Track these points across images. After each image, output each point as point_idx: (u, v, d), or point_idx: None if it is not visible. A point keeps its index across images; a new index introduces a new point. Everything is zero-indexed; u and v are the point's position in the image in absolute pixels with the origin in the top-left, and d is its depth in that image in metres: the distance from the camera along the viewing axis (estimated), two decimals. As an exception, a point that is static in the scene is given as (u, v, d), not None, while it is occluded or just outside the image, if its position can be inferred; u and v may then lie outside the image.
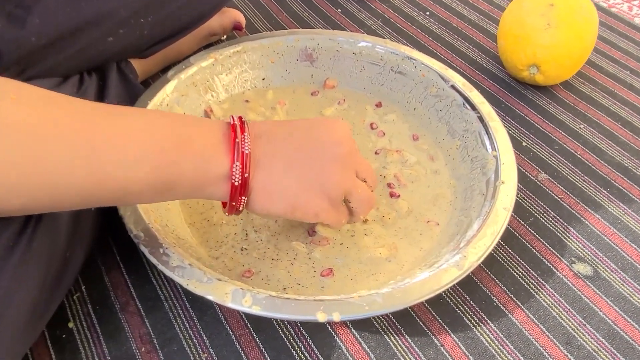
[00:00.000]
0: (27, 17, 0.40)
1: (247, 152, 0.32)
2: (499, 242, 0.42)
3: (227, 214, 0.35)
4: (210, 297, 0.33)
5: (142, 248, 0.35)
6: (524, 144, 0.53)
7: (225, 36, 0.64)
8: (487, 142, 0.46)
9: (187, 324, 0.37)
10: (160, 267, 0.34)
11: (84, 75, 0.47)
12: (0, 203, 0.26)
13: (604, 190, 0.49)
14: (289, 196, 0.34)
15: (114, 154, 0.28)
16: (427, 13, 0.71)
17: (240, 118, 0.34)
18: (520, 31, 0.55)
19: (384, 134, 0.52)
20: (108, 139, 0.28)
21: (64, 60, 0.44)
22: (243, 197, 0.33)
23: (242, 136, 0.32)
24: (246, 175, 0.32)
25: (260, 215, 0.37)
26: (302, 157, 0.34)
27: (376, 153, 0.50)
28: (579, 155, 0.52)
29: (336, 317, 0.32)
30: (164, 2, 0.48)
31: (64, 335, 0.36)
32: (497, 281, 0.41)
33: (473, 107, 0.48)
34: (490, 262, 0.42)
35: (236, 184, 0.32)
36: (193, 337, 0.37)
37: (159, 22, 0.49)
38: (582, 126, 0.55)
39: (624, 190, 0.49)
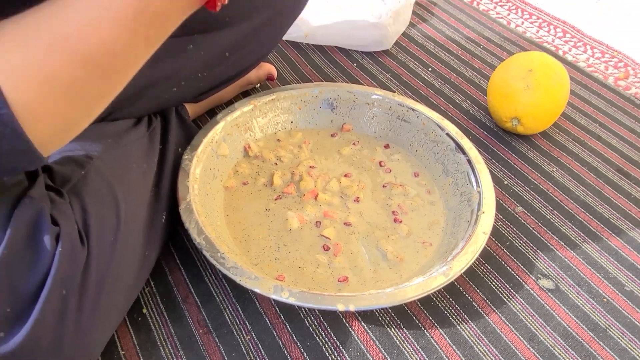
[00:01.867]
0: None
1: None
2: (480, 259, 0.53)
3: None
4: (257, 290, 0.44)
5: (205, 252, 0.47)
6: (505, 182, 0.64)
7: (259, 84, 0.76)
8: (473, 180, 0.57)
9: (234, 314, 0.48)
10: (219, 267, 0.45)
11: (151, 117, 0.59)
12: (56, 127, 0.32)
13: (568, 222, 0.59)
14: None
15: (102, 29, 0.30)
16: (429, 69, 0.83)
17: None
18: (505, 91, 0.67)
19: (391, 170, 0.63)
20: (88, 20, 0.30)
21: (140, 106, 0.56)
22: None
23: None
24: None
25: None
26: None
27: (383, 186, 0.61)
28: (550, 193, 0.63)
29: (352, 307, 0.43)
30: (217, 62, 0.60)
31: (139, 319, 0.47)
32: (477, 290, 0.52)
33: (463, 152, 0.60)
34: (473, 275, 0.53)
35: None
36: (239, 323, 0.47)
37: (212, 76, 0.61)
38: (554, 169, 0.67)
39: (585, 223, 0.60)
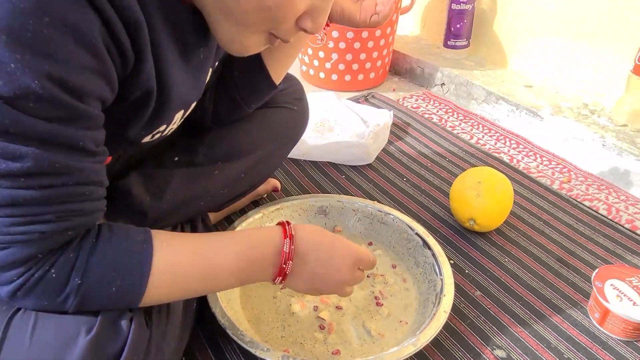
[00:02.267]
0: (163, 194, 0.69)
1: (287, 272, 0.56)
2: (445, 334, 0.67)
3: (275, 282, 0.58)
4: (269, 359, 0.57)
5: (228, 330, 0.60)
6: (466, 271, 0.79)
7: (266, 195, 0.94)
8: (437, 270, 0.72)
9: (249, 381, 0.61)
10: (239, 341, 0.59)
11: (183, 225, 0.76)
12: (155, 302, 0.51)
13: (518, 303, 0.74)
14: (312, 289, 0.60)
15: (220, 275, 0.53)
16: (404, 179, 1.02)
17: (290, 244, 0.56)
18: (461, 198, 0.84)
19: (373, 263, 0.79)
20: (215, 267, 0.53)
21: (176, 218, 0.73)
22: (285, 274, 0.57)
23: (288, 263, 0.56)
24: (283, 281, 0.57)
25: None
26: (320, 277, 0.59)
27: (367, 276, 0.76)
28: (503, 280, 0.78)
29: (342, 370, 0.56)
30: (235, 182, 0.77)
31: (175, 387, 0.60)
32: (443, 358, 0.64)
33: (429, 248, 0.76)
34: (440, 347, 0.66)
35: (278, 283, 0.57)
36: (254, 389, 0.60)
37: (231, 192, 0.78)
38: (507, 259, 0.82)
39: (531, 303, 0.74)
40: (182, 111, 0.57)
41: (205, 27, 0.51)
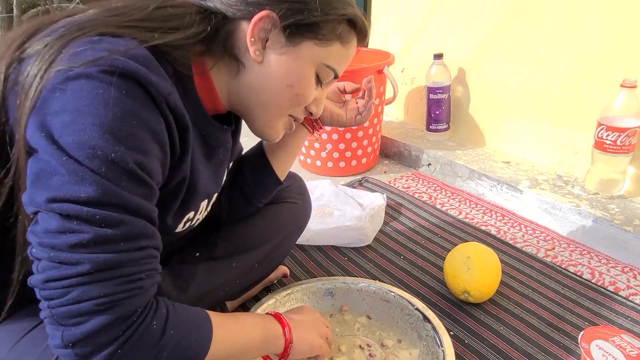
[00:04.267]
0: (188, 287, 0.78)
1: (289, 338, 0.67)
2: (449, 402, 0.73)
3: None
4: None
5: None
6: (466, 341, 0.86)
7: (276, 280, 1.02)
8: (438, 342, 0.79)
9: None
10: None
11: (205, 313, 0.83)
12: None
13: (515, 369, 0.80)
14: (309, 340, 0.70)
15: (241, 348, 0.62)
16: (401, 257, 1.11)
17: (281, 319, 0.69)
18: (453, 272, 0.93)
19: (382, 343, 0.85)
20: (236, 342, 0.62)
21: (198, 306, 0.81)
22: (290, 344, 0.68)
23: (283, 316, 0.69)
24: (291, 332, 0.68)
25: (297, 354, 0.70)
26: (309, 321, 0.72)
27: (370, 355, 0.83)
28: (500, 347, 0.85)
29: None
30: (250, 272, 0.86)
31: None
32: None
33: (429, 321, 0.83)
34: (447, 416, 0.71)
35: (287, 337, 0.67)
36: None
37: (246, 281, 0.87)
38: (502, 328, 0.89)
39: (527, 368, 0.80)
40: (206, 201, 0.69)
41: (225, 132, 0.68)
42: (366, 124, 1.51)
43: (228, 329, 0.60)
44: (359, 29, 0.64)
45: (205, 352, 0.55)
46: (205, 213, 0.72)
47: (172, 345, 0.51)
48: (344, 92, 0.86)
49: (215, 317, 0.59)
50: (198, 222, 0.71)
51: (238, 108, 0.66)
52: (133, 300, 0.48)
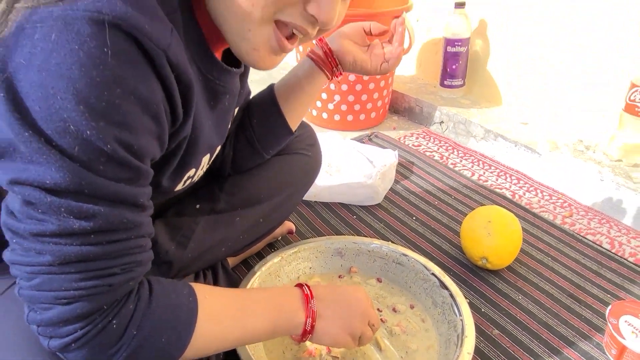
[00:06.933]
0: (188, 242, 0.71)
1: (314, 309, 0.59)
2: (467, 374, 0.68)
3: (298, 342, 0.61)
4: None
5: (258, 378, 0.61)
6: (482, 309, 0.81)
7: (281, 237, 0.96)
8: (456, 310, 0.74)
9: None
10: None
11: (205, 271, 0.77)
12: (193, 355, 0.51)
13: (535, 340, 0.75)
14: (333, 335, 0.61)
15: (252, 324, 0.55)
16: (414, 217, 1.05)
17: (308, 287, 0.61)
18: (472, 237, 0.87)
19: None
20: (248, 317, 0.55)
21: (199, 265, 0.74)
22: (309, 334, 0.59)
23: (312, 302, 0.60)
24: (314, 324, 0.59)
25: (318, 343, 0.63)
26: (342, 315, 0.62)
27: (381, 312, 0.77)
28: (518, 317, 0.80)
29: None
30: (253, 227, 0.79)
31: None
32: (469, 400, 0.66)
33: (446, 287, 0.77)
34: (464, 389, 0.67)
35: (307, 328, 0.59)
36: None
37: (249, 237, 0.80)
38: (520, 297, 0.84)
39: (548, 341, 0.75)
40: (208, 155, 0.60)
41: (233, 76, 0.56)
42: (378, 75, 1.41)
43: (221, 321, 0.52)
44: None
45: (179, 354, 0.48)
46: (207, 167, 0.64)
47: (134, 346, 0.44)
48: (369, 34, 0.76)
49: (210, 303, 0.51)
50: (199, 177, 0.63)
51: (213, 15, 0.48)
52: (98, 297, 0.42)
